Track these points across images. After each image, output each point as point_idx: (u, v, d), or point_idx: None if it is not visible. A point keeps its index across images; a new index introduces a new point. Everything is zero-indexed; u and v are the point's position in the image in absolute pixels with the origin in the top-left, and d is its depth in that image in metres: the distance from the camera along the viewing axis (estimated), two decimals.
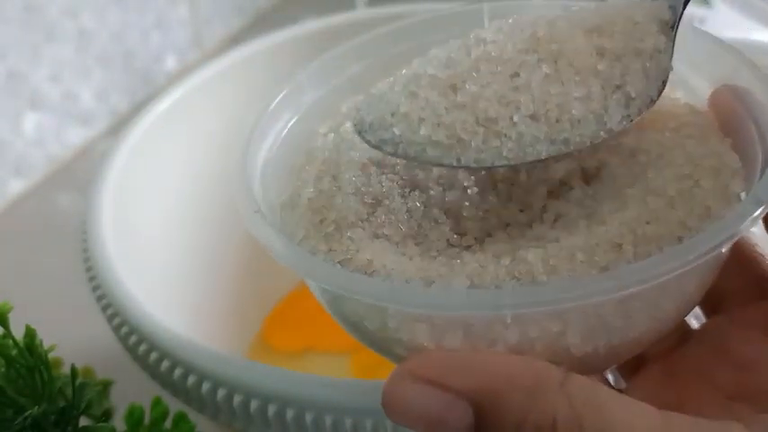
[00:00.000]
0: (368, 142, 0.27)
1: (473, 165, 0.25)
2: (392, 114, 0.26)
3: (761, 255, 0.28)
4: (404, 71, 0.28)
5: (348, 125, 0.30)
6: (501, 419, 0.21)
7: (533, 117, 0.25)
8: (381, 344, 0.25)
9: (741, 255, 0.28)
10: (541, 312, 0.22)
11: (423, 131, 0.26)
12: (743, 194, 0.25)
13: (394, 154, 0.26)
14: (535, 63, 0.26)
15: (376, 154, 0.28)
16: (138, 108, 0.56)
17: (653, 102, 0.26)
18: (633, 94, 0.26)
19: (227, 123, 0.45)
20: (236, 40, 0.77)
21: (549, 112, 0.25)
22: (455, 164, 0.25)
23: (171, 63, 0.75)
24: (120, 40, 0.70)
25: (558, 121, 0.25)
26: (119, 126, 0.65)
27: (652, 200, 0.25)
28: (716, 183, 0.25)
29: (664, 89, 0.26)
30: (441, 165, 0.26)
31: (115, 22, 0.69)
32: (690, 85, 0.29)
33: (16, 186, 0.64)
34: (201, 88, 0.48)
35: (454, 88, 0.26)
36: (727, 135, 0.27)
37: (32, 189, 0.65)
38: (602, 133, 0.25)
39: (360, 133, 0.27)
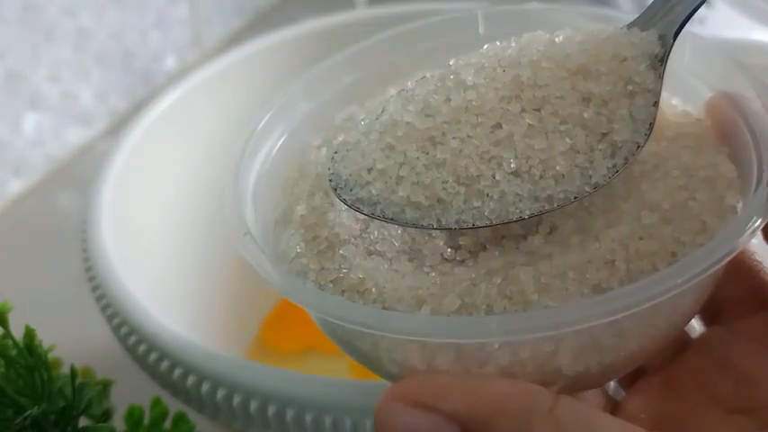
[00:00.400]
0: (344, 201, 0.26)
1: (454, 226, 0.25)
2: (369, 170, 0.26)
3: (759, 263, 0.27)
4: (381, 111, 0.27)
5: (341, 138, 0.30)
6: None
7: (516, 174, 0.24)
8: (374, 362, 0.25)
9: (739, 262, 0.27)
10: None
11: (401, 192, 0.25)
12: (739, 206, 0.24)
13: (371, 215, 0.25)
14: (518, 113, 0.25)
15: None
16: (137, 108, 0.56)
17: (640, 148, 0.25)
18: (620, 143, 0.25)
19: (226, 123, 0.45)
20: (235, 40, 0.77)
21: (532, 169, 0.24)
22: (435, 225, 0.25)
23: (170, 63, 0.75)
24: (119, 39, 0.70)
25: (541, 177, 0.24)
26: (118, 126, 0.65)
27: (646, 215, 0.24)
28: (711, 195, 0.24)
29: (652, 131, 0.25)
30: (420, 227, 0.25)
31: (114, 22, 0.69)
32: (687, 90, 0.28)
33: (16, 186, 0.64)
34: (201, 88, 0.49)
35: (433, 141, 0.25)
36: (724, 143, 0.26)
37: (32, 189, 0.65)
38: (586, 188, 0.25)
39: (335, 190, 0.26)
